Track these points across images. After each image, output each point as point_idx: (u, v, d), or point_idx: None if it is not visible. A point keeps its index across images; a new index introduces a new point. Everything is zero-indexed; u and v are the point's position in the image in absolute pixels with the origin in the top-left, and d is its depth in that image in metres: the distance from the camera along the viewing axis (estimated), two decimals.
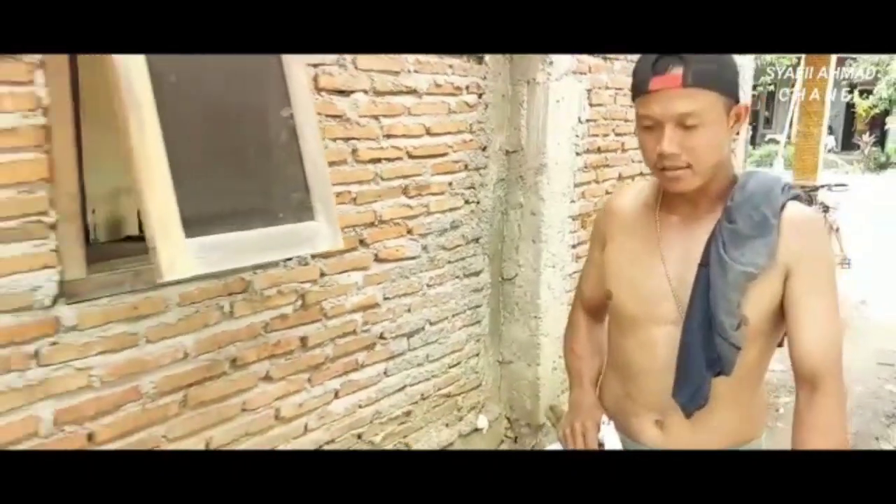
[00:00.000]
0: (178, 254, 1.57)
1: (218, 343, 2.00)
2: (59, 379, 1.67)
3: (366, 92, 2.32)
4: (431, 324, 2.76)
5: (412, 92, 2.50)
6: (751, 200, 1.24)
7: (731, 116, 1.21)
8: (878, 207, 10.94)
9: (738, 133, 1.27)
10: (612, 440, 1.36)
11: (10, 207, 1.54)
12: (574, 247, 3.16)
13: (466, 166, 2.79)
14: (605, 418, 1.39)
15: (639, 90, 1.22)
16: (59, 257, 1.63)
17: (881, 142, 19.47)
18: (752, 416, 1.37)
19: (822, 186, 6.44)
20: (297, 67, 1.92)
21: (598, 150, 3.25)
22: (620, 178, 3.43)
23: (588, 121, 3.14)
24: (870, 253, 7.25)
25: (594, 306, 1.53)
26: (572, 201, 3.10)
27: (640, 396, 1.36)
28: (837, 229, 6.46)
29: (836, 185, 6.47)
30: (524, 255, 3.00)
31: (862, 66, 17.82)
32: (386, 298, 2.52)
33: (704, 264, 1.25)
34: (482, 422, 3.02)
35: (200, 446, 1.99)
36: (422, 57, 2.51)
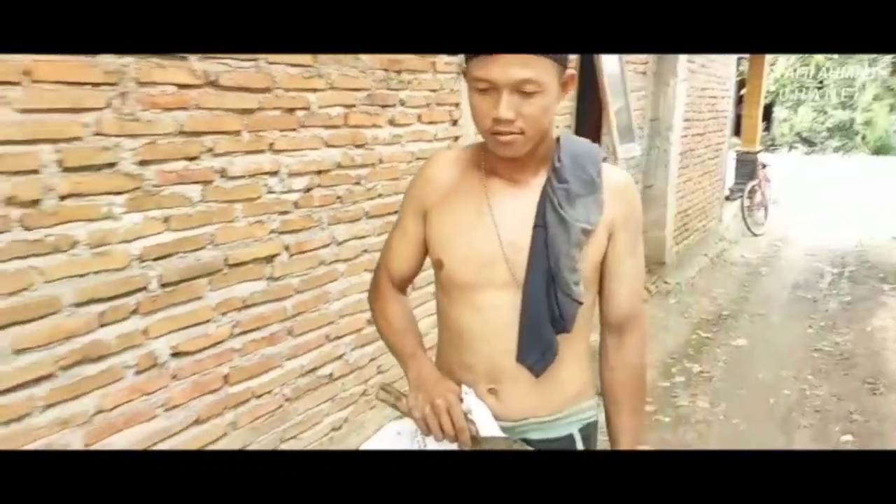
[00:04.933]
0: (623, 150, 4.39)
1: None
2: None
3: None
4: None
5: (638, 90, 5.31)
6: (576, 161, 1.28)
7: (560, 84, 1.22)
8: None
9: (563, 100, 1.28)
10: (478, 409, 1.27)
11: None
12: (679, 169, 6.09)
13: (640, 126, 5.62)
14: (465, 387, 1.30)
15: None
16: None
17: (768, 127, 23.61)
18: (584, 374, 1.38)
19: (762, 150, 9.70)
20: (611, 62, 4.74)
21: (687, 120, 6.19)
22: (695, 134, 6.41)
23: (686, 105, 6.06)
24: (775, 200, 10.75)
25: (402, 279, 1.45)
26: (681, 143, 6.03)
27: (474, 363, 1.33)
28: (769, 180, 9.74)
29: (772, 148, 9.77)
30: (659, 172, 5.88)
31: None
32: None
33: (540, 225, 1.26)
34: None
35: None
36: (638, 66, 5.31)
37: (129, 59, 1.78)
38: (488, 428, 1.25)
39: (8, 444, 1.64)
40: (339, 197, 2.57)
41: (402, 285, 1.47)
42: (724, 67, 7.34)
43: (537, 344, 1.28)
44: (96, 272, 1.78)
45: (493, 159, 1.31)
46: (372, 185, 2.71)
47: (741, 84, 10.21)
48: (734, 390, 4.14)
